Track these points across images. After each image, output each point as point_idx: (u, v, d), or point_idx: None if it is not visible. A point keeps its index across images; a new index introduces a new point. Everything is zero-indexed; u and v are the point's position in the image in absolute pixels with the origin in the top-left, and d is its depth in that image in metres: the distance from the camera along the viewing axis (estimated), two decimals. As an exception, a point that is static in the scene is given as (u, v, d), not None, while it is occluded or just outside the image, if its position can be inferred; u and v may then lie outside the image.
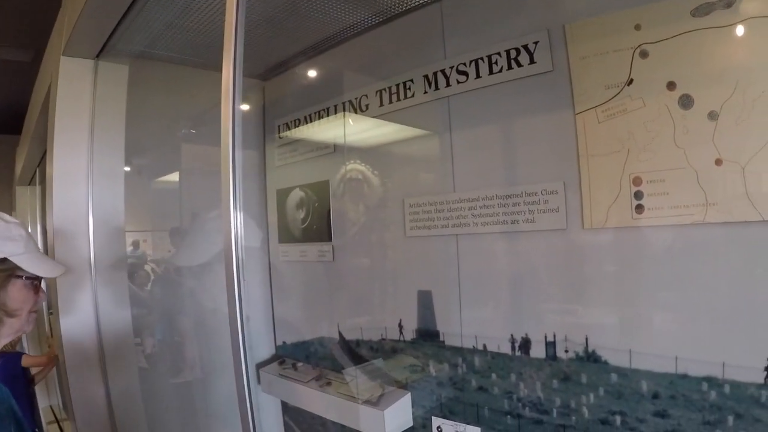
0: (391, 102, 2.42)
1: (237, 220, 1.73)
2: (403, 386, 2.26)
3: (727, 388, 1.55)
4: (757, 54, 1.65)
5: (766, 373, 1.48)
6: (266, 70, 3.19)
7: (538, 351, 2.00)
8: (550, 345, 1.98)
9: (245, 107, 3.20)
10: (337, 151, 2.80)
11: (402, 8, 2.36)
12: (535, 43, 2.02)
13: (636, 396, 1.77)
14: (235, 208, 1.72)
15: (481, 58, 2.08)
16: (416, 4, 2.29)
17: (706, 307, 1.61)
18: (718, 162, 1.67)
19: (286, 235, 3.10)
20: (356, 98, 2.59)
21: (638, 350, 1.72)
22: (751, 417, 1.51)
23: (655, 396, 1.72)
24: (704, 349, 1.59)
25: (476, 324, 2.13)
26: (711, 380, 1.57)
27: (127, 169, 3.32)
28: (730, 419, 1.55)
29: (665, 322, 1.76)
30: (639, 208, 1.81)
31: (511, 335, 2.05)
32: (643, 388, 1.75)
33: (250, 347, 1.76)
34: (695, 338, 1.62)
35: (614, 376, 1.76)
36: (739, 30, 1.66)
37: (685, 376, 1.62)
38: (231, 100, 1.72)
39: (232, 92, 1.72)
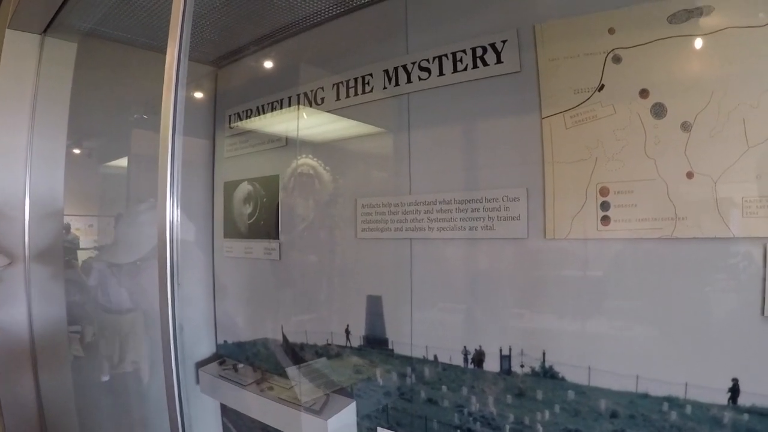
0: (348, 96, 2.10)
1: (173, 212, 1.41)
2: (349, 394, 1.85)
3: (688, 409, 1.37)
4: (733, 65, 1.41)
5: (729, 394, 1.32)
6: (220, 57, 2.74)
7: (492, 364, 1.71)
8: (505, 359, 1.71)
9: (199, 94, 2.81)
10: (289, 144, 2.42)
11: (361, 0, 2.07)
12: (503, 42, 1.73)
13: (594, 414, 1.52)
14: (172, 198, 1.40)
15: (446, 55, 1.79)
16: None
17: (670, 326, 1.42)
18: (690, 175, 1.43)
19: (232, 230, 2.68)
20: (312, 91, 2.23)
21: (597, 367, 1.50)
22: (711, 439, 1.45)
23: (614, 415, 1.49)
24: (667, 368, 1.41)
25: (428, 333, 1.86)
26: (672, 400, 1.39)
27: (77, 151, 2.89)
28: (691, 440, 1.49)
29: (627, 340, 1.50)
30: (605, 220, 1.55)
31: (464, 347, 1.76)
32: (601, 407, 1.51)
33: (182, 347, 1.42)
34: (658, 357, 1.43)
35: (571, 393, 1.54)
36: (717, 39, 1.43)
37: (645, 396, 1.43)
38: (174, 84, 1.42)
39: (176, 76, 1.42)
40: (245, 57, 2.60)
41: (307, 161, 2.19)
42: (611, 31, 1.57)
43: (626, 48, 1.55)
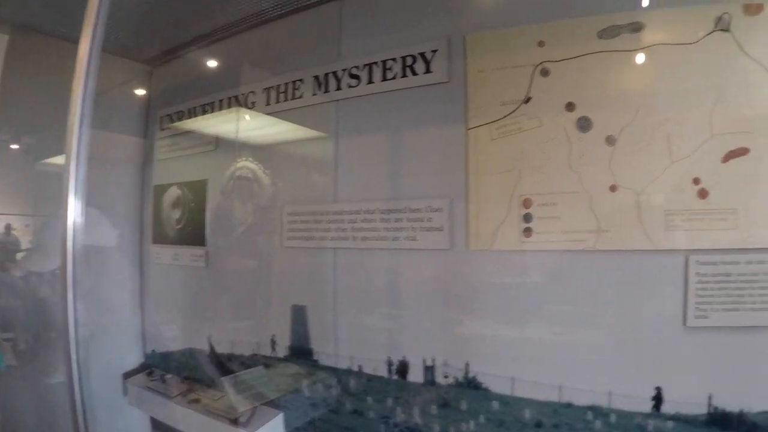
0: (278, 101, 2.00)
1: (75, 213, 1.35)
2: (276, 406, 1.74)
3: (613, 418, 1.37)
4: (660, 81, 1.41)
5: (653, 402, 1.33)
6: (155, 56, 2.53)
7: (416, 375, 1.65)
8: (429, 369, 1.66)
9: (131, 92, 2.58)
10: (219, 148, 2.25)
11: (303, 2, 1.92)
12: (434, 51, 1.67)
13: (518, 424, 1.49)
14: (76, 199, 1.34)
15: (376, 63, 1.74)
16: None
17: (593, 336, 1.41)
18: (613, 188, 1.41)
19: (161, 236, 2.49)
20: (243, 94, 2.10)
21: (521, 377, 1.48)
22: (639, 446, 1.47)
23: (539, 425, 1.46)
24: (590, 377, 1.40)
25: (352, 344, 1.77)
26: (596, 409, 1.38)
27: (15, 146, 2.68)
28: (617, 448, 1.49)
29: (550, 351, 1.47)
30: (528, 231, 1.51)
31: (389, 358, 1.69)
32: (525, 417, 1.47)
33: (85, 358, 1.32)
34: (581, 367, 1.42)
35: (496, 404, 1.50)
36: (645, 56, 1.42)
37: (569, 405, 1.41)
38: (84, 78, 1.31)
39: (86, 69, 1.31)
40: (180, 57, 2.40)
41: (246, 164, 2.00)
42: (541, 44, 1.53)
43: (555, 61, 1.51)
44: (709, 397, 1.34)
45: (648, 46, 1.44)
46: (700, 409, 1.35)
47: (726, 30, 1.41)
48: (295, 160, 1.87)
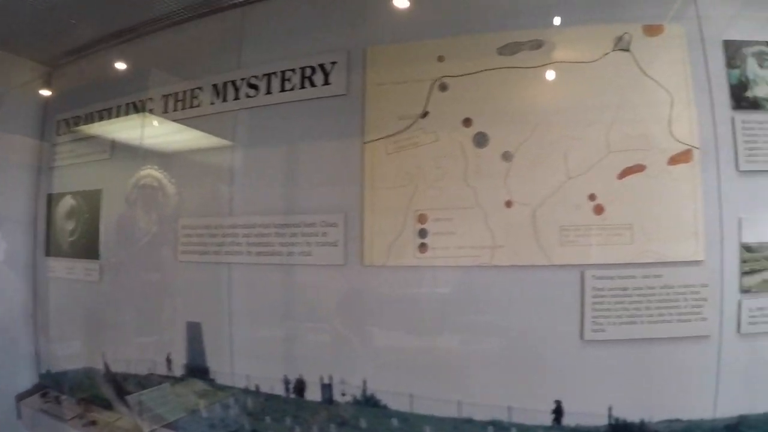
0: (176, 109, 1.67)
1: None
2: (174, 428, 1.59)
3: None
4: (559, 98, 1.31)
5: (554, 415, 1.25)
6: (55, 56, 2.16)
7: (313, 393, 1.41)
8: (326, 387, 1.36)
9: (40, 93, 2.23)
10: (114, 157, 1.92)
11: (207, 8, 1.64)
12: (333, 63, 1.44)
13: None
14: None
15: (275, 73, 1.52)
16: (224, 5, 1.62)
17: (492, 351, 1.31)
18: (509, 204, 1.27)
19: (54, 248, 2.11)
20: (141, 101, 1.77)
21: (419, 394, 1.32)
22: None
23: None
24: (489, 393, 1.29)
25: (248, 362, 1.49)
26: (497, 424, 1.28)
27: None
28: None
29: (449, 366, 1.34)
30: (423, 247, 1.30)
31: (285, 376, 1.44)
32: None
33: None
34: (480, 382, 1.30)
35: (395, 421, 1.34)
36: (544, 73, 1.31)
37: (469, 421, 1.30)
38: None
39: None
40: (81, 58, 2.08)
41: (150, 172, 1.80)
42: (441, 58, 1.35)
43: (454, 76, 1.34)
44: (609, 409, 1.25)
45: (548, 64, 1.28)
46: (601, 421, 1.25)
47: (626, 50, 1.28)
48: (201, 170, 1.66)
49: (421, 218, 1.30)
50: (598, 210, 1.26)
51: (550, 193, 1.27)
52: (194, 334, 1.48)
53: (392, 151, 1.33)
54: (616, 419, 1.26)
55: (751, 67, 1.32)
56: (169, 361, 1.54)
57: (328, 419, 1.35)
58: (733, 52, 1.32)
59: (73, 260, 1.89)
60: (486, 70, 1.32)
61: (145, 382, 1.60)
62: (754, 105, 1.31)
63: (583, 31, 1.31)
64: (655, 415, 1.26)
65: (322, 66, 1.43)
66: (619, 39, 1.30)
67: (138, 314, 1.67)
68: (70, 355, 1.87)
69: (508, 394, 1.27)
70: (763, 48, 1.33)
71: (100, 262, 1.78)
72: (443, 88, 1.33)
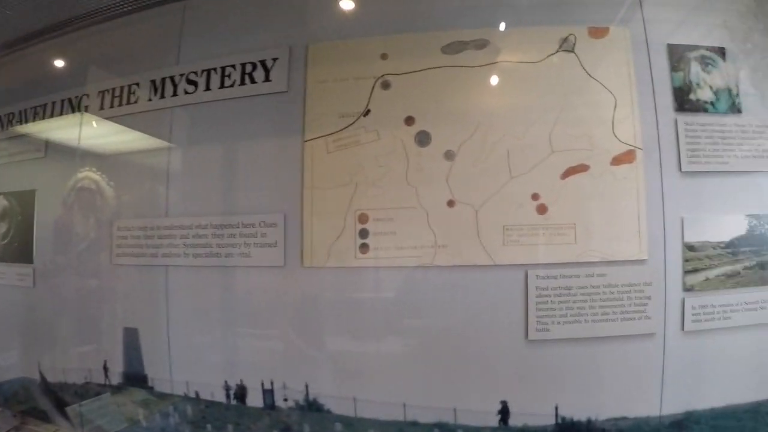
0: (112, 106, 1.59)
1: None
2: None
3: None
4: (502, 98, 1.30)
5: (500, 416, 1.25)
6: None
7: (255, 399, 1.36)
8: (268, 393, 1.32)
9: None
10: (48, 156, 1.81)
11: (147, 1, 1.56)
12: (274, 59, 1.39)
13: None
14: None
15: (214, 69, 1.45)
16: None
17: (436, 353, 1.27)
18: (451, 203, 1.25)
19: None
20: (77, 97, 1.67)
21: (363, 397, 1.29)
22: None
23: None
24: (434, 395, 1.27)
25: (187, 368, 1.43)
26: (443, 426, 1.27)
27: None
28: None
29: (391, 369, 1.30)
30: (364, 248, 1.28)
31: (225, 382, 1.39)
32: None
33: None
34: (424, 384, 1.28)
35: (339, 426, 1.31)
36: (488, 72, 1.30)
37: (415, 423, 1.27)
38: None
39: None
40: (14, 53, 1.93)
41: (88, 174, 1.69)
42: (384, 56, 1.32)
43: (396, 74, 1.31)
44: (556, 408, 1.26)
45: (492, 63, 1.27)
46: (548, 420, 1.26)
47: (570, 51, 1.29)
48: (137, 169, 1.58)
49: (362, 218, 1.27)
50: (542, 210, 1.26)
51: (493, 192, 1.26)
52: (131, 340, 1.41)
53: (333, 149, 1.30)
54: (563, 418, 1.26)
55: (695, 71, 1.34)
56: (106, 369, 1.47)
57: (270, 425, 1.31)
58: (677, 55, 1.33)
59: (4, 264, 1.77)
60: (429, 68, 1.30)
61: (82, 391, 1.51)
62: (697, 107, 1.32)
63: (528, 32, 1.31)
64: (602, 413, 1.27)
65: (263, 62, 1.38)
66: (564, 40, 1.31)
67: (73, 321, 1.58)
68: (4, 365, 1.75)
69: (454, 396, 1.26)
70: (707, 52, 1.35)
71: (33, 267, 1.67)
72: (386, 86, 1.31)
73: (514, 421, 1.25)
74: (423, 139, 1.27)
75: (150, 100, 1.45)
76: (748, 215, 1.32)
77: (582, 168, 1.26)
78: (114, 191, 1.50)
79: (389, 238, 1.26)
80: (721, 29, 1.37)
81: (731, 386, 1.31)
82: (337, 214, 1.28)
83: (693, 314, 1.29)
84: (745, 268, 1.32)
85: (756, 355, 1.32)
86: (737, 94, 1.34)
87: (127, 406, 1.42)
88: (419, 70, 1.30)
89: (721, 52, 1.35)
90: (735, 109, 1.34)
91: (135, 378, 1.43)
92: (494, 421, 1.25)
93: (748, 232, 1.32)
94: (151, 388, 1.42)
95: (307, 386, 1.31)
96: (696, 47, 1.34)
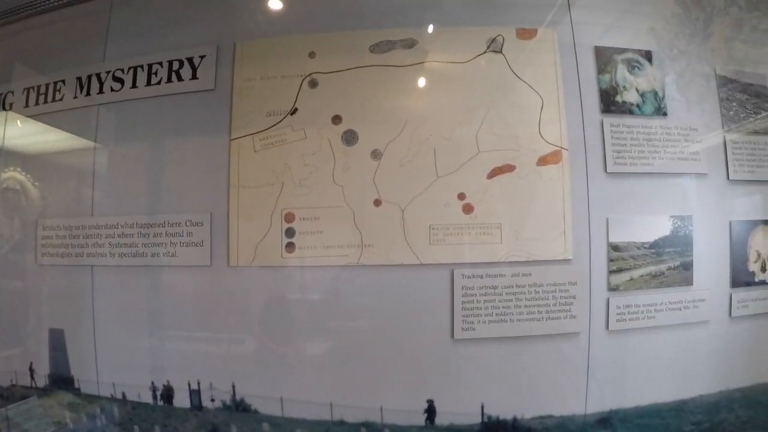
0: (38, 104, 1.55)
1: None
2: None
3: None
4: (429, 97, 1.30)
5: (426, 415, 1.26)
6: None
7: (182, 400, 1.34)
8: (195, 393, 1.32)
9: None
10: None
11: None
12: (201, 57, 1.38)
13: None
14: None
15: (141, 66, 1.43)
16: None
17: (362, 350, 1.28)
18: (377, 203, 1.25)
19: None
20: (0, 94, 1.62)
21: (290, 397, 1.29)
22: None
23: None
24: (361, 394, 1.27)
25: (114, 369, 1.41)
26: (370, 425, 1.26)
27: None
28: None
29: (318, 368, 1.30)
30: (290, 247, 1.27)
31: (152, 383, 1.37)
32: None
33: None
34: (350, 384, 1.28)
35: (266, 426, 1.29)
36: (416, 72, 1.31)
37: (342, 423, 1.27)
38: None
39: None
40: None
41: (13, 174, 1.62)
42: (312, 55, 1.31)
43: (324, 73, 1.30)
44: (482, 407, 1.27)
45: (420, 63, 1.28)
46: (474, 419, 1.27)
47: (498, 52, 1.32)
48: (63, 168, 1.54)
49: (288, 217, 1.27)
50: (468, 209, 1.26)
51: (419, 191, 1.26)
52: (57, 341, 1.39)
53: (260, 148, 1.29)
54: (489, 417, 1.27)
55: (621, 73, 1.36)
56: (32, 371, 1.43)
57: (198, 426, 1.30)
58: (604, 58, 1.36)
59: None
60: (357, 67, 1.30)
61: (8, 394, 1.47)
62: (623, 109, 1.35)
63: (456, 32, 1.32)
64: (528, 411, 1.28)
65: (190, 60, 1.37)
66: (492, 41, 1.32)
67: (-1, 323, 1.53)
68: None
69: (380, 395, 1.26)
70: (634, 55, 1.38)
71: (-46, 269, 1.61)
72: (313, 84, 1.30)
73: (440, 420, 1.26)
74: (350, 138, 1.27)
75: (76, 97, 1.43)
76: (672, 216, 1.34)
77: (508, 168, 1.28)
78: (39, 191, 1.46)
79: (315, 237, 1.26)
80: (648, 33, 1.39)
81: (656, 385, 1.34)
82: (264, 213, 1.27)
83: (617, 313, 1.31)
84: (669, 268, 1.34)
85: (680, 354, 1.35)
86: (663, 97, 1.37)
87: (53, 408, 1.38)
88: (347, 69, 1.30)
89: (648, 55, 1.38)
90: (661, 111, 1.36)
91: (61, 380, 1.40)
92: (420, 420, 1.26)
93: (672, 233, 1.34)
94: (78, 389, 1.39)
95: (234, 386, 1.30)
96: (623, 50, 1.37)
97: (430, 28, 1.32)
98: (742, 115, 1.42)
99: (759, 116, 1.44)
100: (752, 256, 1.41)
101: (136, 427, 1.34)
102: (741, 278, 1.39)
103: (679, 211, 1.34)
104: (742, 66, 1.43)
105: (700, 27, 1.42)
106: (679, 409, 1.36)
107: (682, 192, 1.36)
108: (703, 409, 1.38)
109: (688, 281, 1.35)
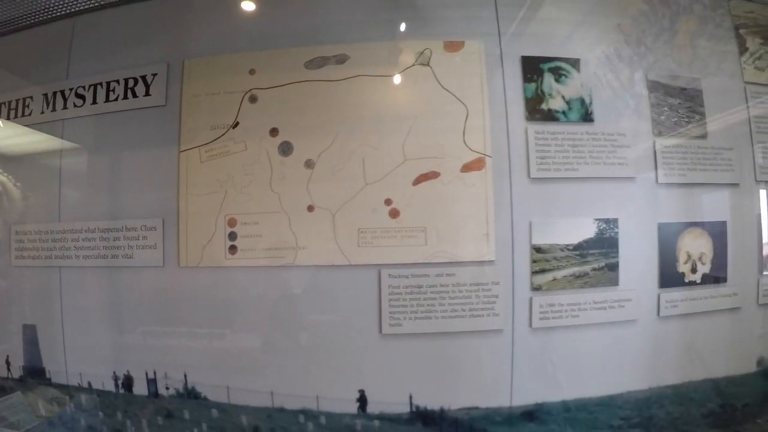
0: (8, 118, 1.90)
1: None
2: (15, 427, 1.93)
3: (323, 419, 1.57)
4: (359, 109, 1.58)
5: (358, 403, 1.55)
6: None
7: (140, 388, 1.68)
8: (152, 382, 1.65)
9: None
10: None
11: (42, 17, 1.88)
12: (154, 75, 1.69)
13: (237, 430, 1.60)
14: None
15: (101, 84, 1.75)
16: (57, 14, 1.85)
17: (299, 343, 1.59)
18: (311, 208, 1.53)
19: None
20: None
21: (235, 386, 1.61)
22: (350, 444, 1.37)
23: (256, 430, 1.60)
24: (299, 383, 1.57)
25: (81, 361, 1.77)
26: (307, 413, 1.56)
27: None
28: (333, 446, 1.38)
29: (260, 358, 1.60)
30: (233, 249, 1.57)
31: (114, 372, 1.72)
32: (243, 422, 1.61)
33: None
34: (290, 374, 1.58)
35: (215, 412, 1.62)
36: (347, 86, 1.56)
37: (281, 410, 1.58)
38: None
39: None
40: None
41: None
42: (252, 71, 1.58)
43: (263, 89, 1.57)
44: (410, 397, 1.54)
45: (351, 77, 1.53)
46: (403, 408, 1.53)
47: (426, 64, 1.53)
48: (34, 180, 1.93)
49: (231, 222, 1.56)
50: (394, 214, 1.52)
51: (349, 198, 1.53)
52: (30, 336, 1.75)
53: (205, 159, 1.58)
54: (417, 407, 1.54)
55: (548, 81, 1.59)
56: (8, 363, 1.78)
57: (155, 412, 1.61)
58: (530, 67, 1.59)
59: None
60: (293, 82, 1.57)
61: (-15, 385, 1.88)
62: (548, 116, 1.58)
63: (386, 47, 1.57)
64: (455, 403, 1.54)
65: (143, 77, 1.67)
66: (420, 54, 1.56)
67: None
68: None
69: (316, 385, 1.54)
70: (561, 63, 1.60)
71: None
72: (253, 99, 1.58)
73: (371, 408, 1.53)
74: (286, 149, 1.55)
75: (43, 112, 1.77)
76: (597, 219, 1.56)
77: (433, 175, 1.53)
78: (10, 199, 1.90)
79: (255, 240, 1.55)
80: (575, 41, 1.62)
81: (582, 380, 1.57)
82: (209, 218, 1.57)
83: (540, 312, 1.55)
84: (594, 269, 1.57)
85: (607, 351, 1.58)
86: (590, 104, 1.59)
87: (28, 397, 1.83)
88: (284, 84, 1.57)
89: (576, 63, 1.59)
90: (588, 118, 1.58)
91: (35, 371, 1.72)
92: (353, 408, 1.53)
93: (597, 235, 1.56)
94: (49, 380, 1.73)
95: (185, 376, 1.61)
96: (550, 59, 1.60)
97: (361, 44, 1.59)
98: (674, 120, 1.60)
99: (692, 120, 1.66)
100: (682, 258, 1.60)
101: (100, 413, 1.64)
102: (670, 279, 1.59)
103: (604, 214, 1.57)
104: (674, 73, 1.65)
105: (634, 38, 1.66)
106: (606, 404, 1.58)
107: (607, 196, 1.58)
108: (632, 405, 1.59)
109: (614, 282, 1.57)
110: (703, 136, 1.69)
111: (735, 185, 1.71)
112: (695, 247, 1.67)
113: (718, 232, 1.70)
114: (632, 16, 1.69)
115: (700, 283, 1.68)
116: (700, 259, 1.70)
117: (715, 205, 1.70)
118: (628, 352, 1.61)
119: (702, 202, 1.70)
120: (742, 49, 1.79)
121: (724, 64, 1.76)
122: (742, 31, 1.79)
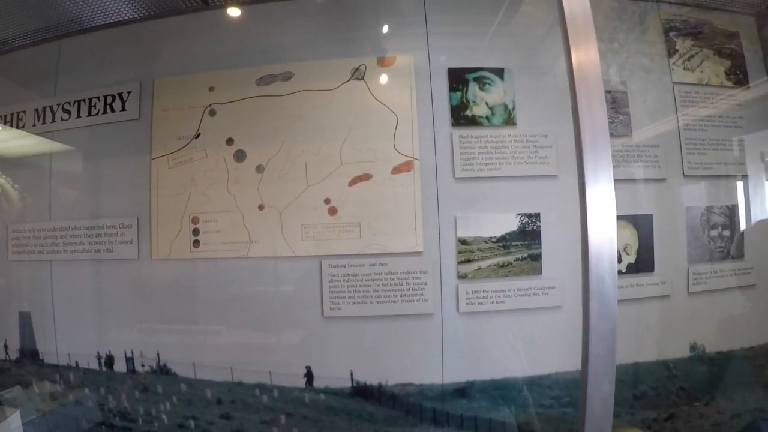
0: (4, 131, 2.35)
1: None
2: (13, 404, 2.39)
3: (276, 393, 2.09)
4: (302, 120, 2.08)
5: (306, 379, 2.06)
6: None
7: (120, 366, 2.30)
8: (130, 360, 2.27)
9: None
10: None
11: (31, 38, 2.55)
12: (129, 92, 2.29)
13: (204, 402, 2.16)
14: None
15: (84, 100, 2.35)
16: (44, 37, 2.50)
17: (254, 325, 2.13)
18: (261, 207, 2.07)
19: None
20: None
21: (201, 363, 2.17)
22: (299, 415, 2.11)
23: (219, 402, 2.16)
24: (254, 360, 2.10)
25: (69, 342, 2.39)
26: (262, 386, 2.10)
27: None
28: (282, 418, 2.13)
29: (221, 339, 2.15)
30: (196, 243, 2.15)
31: (98, 352, 2.35)
32: (208, 395, 2.17)
33: None
34: (246, 351, 2.11)
35: (183, 386, 2.19)
36: (293, 99, 2.09)
37: (240, 384, 2.13)
38: None
39: None
40: None
41: None
42: (211, 89, 2.14)
43: (221, 103, 2.14)
44: (351, 373, 2.04)
45: (295, 92, 2.04)
46: (345, 383, 2.03)
47: (360, 79, 2.00)
48: (29, 184, 2.67)
49: (195, 220, 2.11)
50: (333, 212, 2.04)
51: (294, 198, 2.04)
52: (25, 322, 2.40)
53: (172, 165, 2.13)
54: (358, 382, 2.01)
55: (472, 90, 2.06)
56: (6, 347, 2.46)
57: (133, 387, 2.18)
58: (456, 77, 2.05)
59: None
60: (246, 98, 2.11)
61: (-14, 367, 2.09)
62: (472, 122, 2.05)
63: (325, 64, 2.07)
64: (391, 379, 2.02)
65: (120, 95, 2.25)
66: (356, 70, 2.07)
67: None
68: None
69: (269, 362, 2.06)
70: (486, 73, 2.07)
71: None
72: (212, 113, 2.14)
73: (317, 383, 2.02)
74: (240, 156, 2.09)
75: (34, 125, 2.38)
76: (519, 214, 2.02)
77: (366, 177, 2.03)
78: (8, 200, 2.51)
79: (215, 235, 2.11)
80: (498, 52, 2.08)
81: (510, 361, 2.03)
82: (176, 217, 2.13)
83: (467, 298, 2.02)
84: (517, 259, 2.01)
85: (529, 335, 2.03)
86: (513, 109, 2.05)
87: (24, 376, 2.37)
88: (238, 100, 2.12)
89: (500, 72, 2.05)
90: (511, 122, 2.06)
91: (29, 353, 2.36)
92: (302, 383, 2.01)
93: (520, 228, 2.02)
94: (42, 360, 2.34)
95: (158, 354, 2.17)
96: (475, 69, 2.08)
97: (305, 62, 2.11)
98: (596, 121, 2.20)
99: (615, 121, 2.10)
100: (605, 248, 2.02)
101: (86, 389, 2.27)
102: (594, 268, 1.94)
103: (527, 209, 2.03)
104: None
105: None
106: (534, 383, 1.99)
107: (529, 192, 2.03)
108: (561, 385, 2.00)
109: (537, 271, 2.03)
110: (627, 135, 2.20)
111: (661, 180, 2.22)
112: (619, 237, 2.06)
113: (643, 224, 2.16)
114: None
115: (626, 272, 2.17)
116: (624, 249, 2.15)
117: (640, 200, 2.20)
118: (555, 335, 2.06)
119: (627, 196, 2.17)
120: (672, 50, 2.26)
121: (652, 65, 2.22)
122: (672, 33, 2.27)
